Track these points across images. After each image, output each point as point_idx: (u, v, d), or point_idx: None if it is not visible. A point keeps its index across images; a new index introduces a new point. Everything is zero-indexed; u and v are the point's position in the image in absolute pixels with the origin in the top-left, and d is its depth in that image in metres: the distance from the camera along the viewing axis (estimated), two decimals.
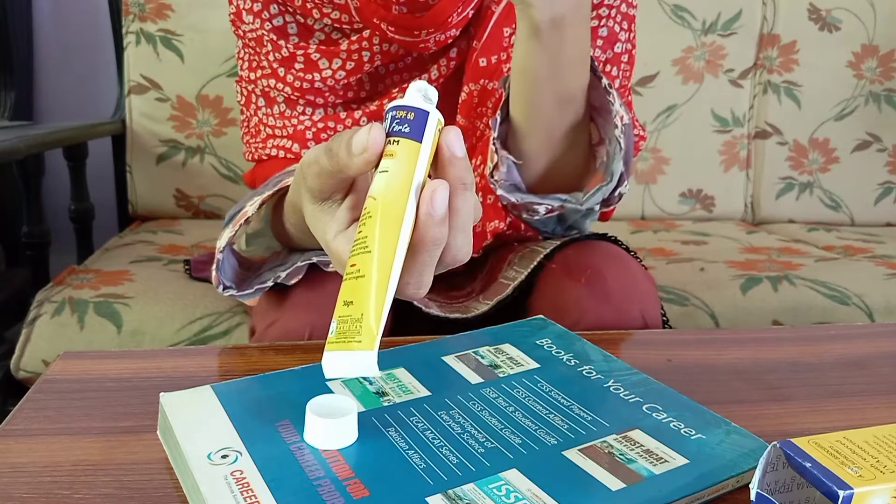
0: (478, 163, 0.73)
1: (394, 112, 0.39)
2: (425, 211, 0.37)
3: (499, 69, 0.72)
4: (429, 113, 0.38)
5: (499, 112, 0.65)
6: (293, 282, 0.62)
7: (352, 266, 0.37)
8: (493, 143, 0.65)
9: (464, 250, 0.39)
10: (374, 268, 0.36)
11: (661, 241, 1.45)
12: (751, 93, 1.65)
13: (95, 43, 1.72)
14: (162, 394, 0.42)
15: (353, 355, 0.35)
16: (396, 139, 0.38)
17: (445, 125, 0.40)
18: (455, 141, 0.39)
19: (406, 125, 0.38)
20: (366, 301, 0.36)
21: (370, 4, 0.68)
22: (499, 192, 0.66)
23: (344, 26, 0.72)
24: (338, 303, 0.37)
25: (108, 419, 0.44)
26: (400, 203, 0.37)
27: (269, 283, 0.62)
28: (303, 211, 0.45)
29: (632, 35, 0.73)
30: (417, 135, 0.38)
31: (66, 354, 0.53)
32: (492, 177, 0.66)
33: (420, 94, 0.39)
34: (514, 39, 0.61)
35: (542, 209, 0.66)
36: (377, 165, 0.38)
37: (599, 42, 0.71)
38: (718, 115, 1.62)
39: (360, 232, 0.37)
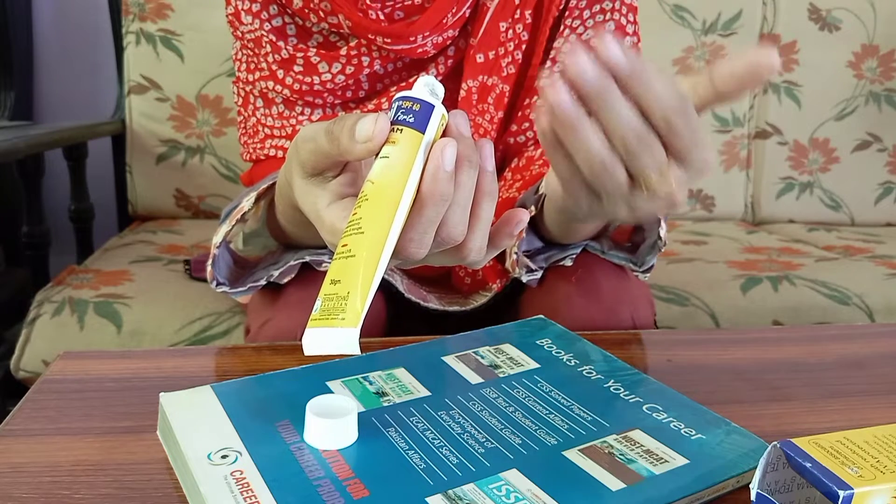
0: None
1: (400, 102, 0.39)
2: (434, 165, 0.37)
3: (497, 64, 0.72)
4: (434, 106, 0.39)
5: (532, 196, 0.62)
6: (286, 280, 0.62)
7: (343, 246, 0.37)
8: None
9: (458, 228, 0.39)
10: (365, 248, 0.36)
11: None
12: (751, 93, 1.65)
13: (95, 43, 1.72)
14: (162, 394, 0.42)
15: (335, 332, 0.35)
16: (400, 128, 0.38)
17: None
18: (462, 122, 0.40)
19: (411, 115, 0.39)
20: (353, 280, 0.36)
21: (363, 21, 0.68)
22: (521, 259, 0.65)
23: (342, 30, 0.72)
24: (325, 281, 0.37)
25: (107, 419, 0.44)
26: (397, 188, 0.37)
27: (262, 282, 0.62)
28: (292, 186, 0.45)
29: (637, 27, 0.72)
30: (421, 125, 0.38)
31: (65, 354, 0.53)
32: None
33: (427, 88, 0.40)
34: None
35: (567, 261, 0.65)
36: (377, 153, 0.39)
37: None
38: (719, 115, 1.62)
39: (354, 214, 0.38)
